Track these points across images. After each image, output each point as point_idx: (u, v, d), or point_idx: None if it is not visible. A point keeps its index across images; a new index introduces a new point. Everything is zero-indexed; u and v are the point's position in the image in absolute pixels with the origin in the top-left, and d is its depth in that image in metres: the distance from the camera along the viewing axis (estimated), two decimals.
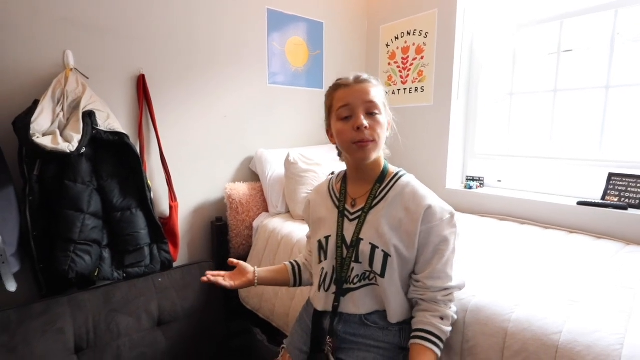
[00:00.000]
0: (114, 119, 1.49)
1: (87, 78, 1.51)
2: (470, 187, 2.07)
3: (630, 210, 1.52)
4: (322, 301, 1.00)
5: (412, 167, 1.28)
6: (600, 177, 1.69)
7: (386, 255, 0.91)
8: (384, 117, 0.95)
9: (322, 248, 1.01)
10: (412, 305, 0.96)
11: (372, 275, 0.94)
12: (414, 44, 2.28)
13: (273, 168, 1.98)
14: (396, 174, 0.99)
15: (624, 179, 1.61)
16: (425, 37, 2.21)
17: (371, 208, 0.96)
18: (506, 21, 2.00)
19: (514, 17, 1.97)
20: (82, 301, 1.41)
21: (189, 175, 1.89)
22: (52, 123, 1.35)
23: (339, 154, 1.06)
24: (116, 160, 1.51)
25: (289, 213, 1.95)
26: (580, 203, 1.64)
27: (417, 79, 2.28)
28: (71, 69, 1.46)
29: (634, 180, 1.58)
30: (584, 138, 1.79)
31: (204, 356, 1.63)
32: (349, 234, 0.97)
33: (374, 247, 0.92)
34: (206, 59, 1.88)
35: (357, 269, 0.95)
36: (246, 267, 1.09)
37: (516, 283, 1.10)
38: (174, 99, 1.80)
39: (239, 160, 2.09)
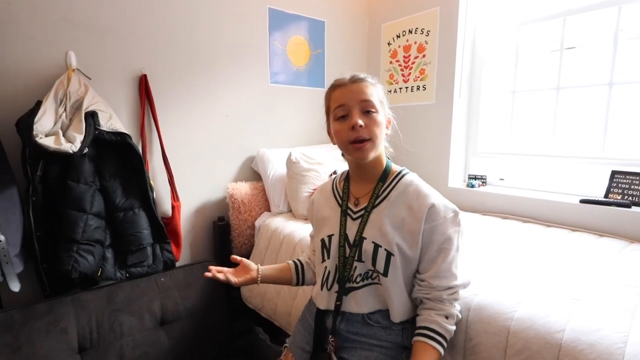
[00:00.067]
0: (116, 119, 1.50)
1: (90, 78, 1.52)
2: (473, 186, 2.06)
3: (634, 208, 1.51)
4: (325, 300, 1.00)
5: (414, 165, 1.28)
6: (603, 175, 1.69)
7: (389, 254, 0.91)
8: (382, 115, 0.94)
9: (325, 247, 1.01)
10: (414, 304, 0.96)
11: (374, 275, 0.94)
12: (415, 42, 2.27)
13: (275, 167, 1.98)
14: (399, 173, 0.99)
15: (627, 177, 1.60)
16: (427, 35, 2.20)
17: (374, 207, 0.96)
18: (508, 19, 1.99)
19: (516, 15, 1.96)
20: (85, 301, 1.42)
21: (191, 175, 1.90)
22: (55, 124, 1.35)
23: (342, 154, 1.06)
24: (119, 161, 1.51)
25: (291, 212, 1.95)
26: (583, 201, 1.63)
27: (418, 77, 2.28)
28: (73, 70, 1.47)
29: (637, 178, 1.57)
30: (587, 136, 1.78)
31: (206, 355, 1.63)
32: (351, 233, 0.97)
33: (376, 246, 0.92)
34: (208, 58, 1.88)
35: (359, 268, 0.95)
36: (249, 264, 1.09)
37: (519, 281, 1.09)
38: (176, 98, 1.81)
39: (240, 159, 2.09)
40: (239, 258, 1.09)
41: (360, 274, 0.95)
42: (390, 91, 2.44)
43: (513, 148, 2.04)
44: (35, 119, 1.28)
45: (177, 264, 1.73)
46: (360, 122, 0.90)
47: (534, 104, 1.95)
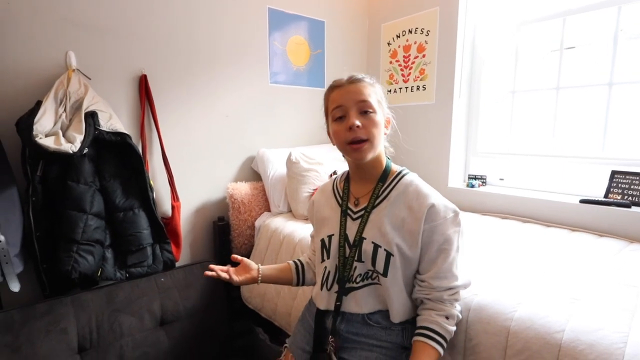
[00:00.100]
0: (116, 120, 1.50)
1: (90, 79, 1.52)
2: (473, 186, 2.06)
3: (634, 208, 1.51)
4: (325, 300, 1.00)
5: (414, 165, 1.28)
6: (603, 175, 1.69)
7: (389, 255, 0.91)
8: (380, 115, 0.94)
9: (325, 247, 1.01)
10: (414, 304, 0.96)
11: (374, 275, 0.94)
12: (415, 42, 2.27)
13: (275, 167, 1.98)
14: (399, 173, 0.99)
15: (627, 177, 1.60)
16: (427, 35, 2.20)
17: (374, 207, 0.96)
18: (508, 18, 1.99)
19: (515, 15, 1.96)
20: (85, 301, 1.42)
21: (191, 175, 1.90)
22: (55, 124, 1.35)
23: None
24: (118, 161, 1.51)
25: (290, 212, 1.95)
26: (582, 201, 1.64)
27: (418, 77, 2.28)
28: (73, 70, 1.47)
29: (637, 178, 1.57)
30: (587, 136, 1.78)
31: (206, 356, 1.63)
32: (351, 233, 0.97)
33: (376, 247, 0.92)
34: (207, 58, 1.88)
35: (359, 268, 0.95)
36: (250, 264, 1.09)
37: (518, 281, 1.09)
38: (176, 98, 1.81)
39: (240, 159, 2.09)
40: (239, 257, 1.09)
41: (360, 274, 0.95)
42: (390, 91, 2.44)
43: (513, 148, 2.04)
44: (35, 119, 1.28)
45: (177, 264, 1.73)
46: (358, 122, 0.90)
47: (534, 104, 1.95)
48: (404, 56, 2.35)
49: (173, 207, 1.74)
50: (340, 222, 0.99)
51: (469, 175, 2.16)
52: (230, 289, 1.83)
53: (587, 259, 1.26)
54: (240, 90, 2.03)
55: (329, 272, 1.00)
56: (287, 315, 1.57)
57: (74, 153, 1.28)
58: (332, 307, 0.98)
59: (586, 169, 1.77)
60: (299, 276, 1.15)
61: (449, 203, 0.94)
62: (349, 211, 1.00)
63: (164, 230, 1.62)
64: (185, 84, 1.83)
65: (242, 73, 2.02)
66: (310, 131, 2.34)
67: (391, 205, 0.94)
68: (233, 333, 1.77)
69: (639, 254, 1.30)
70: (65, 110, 1.39)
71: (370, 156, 0.94)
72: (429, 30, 2.19)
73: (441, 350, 0.88)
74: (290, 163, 1.87)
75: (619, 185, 1.61)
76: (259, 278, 1.08)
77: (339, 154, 1.02)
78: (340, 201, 1.03)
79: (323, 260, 1.02)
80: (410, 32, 2.29)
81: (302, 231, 1.65)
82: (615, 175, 1.64)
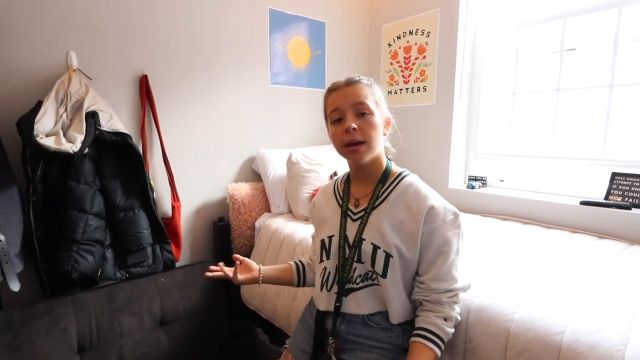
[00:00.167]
0: (116, 120, 1.50)
1: (90, 79, 1.52)
2: (473, 187, 2.06)
3: (634, 210, 1.51)
4: (325, 301, 1.00)
5: (414, 166, 1.28)
6: (603, 177, 1.69)
7: (388, 256, 0.90)
8: (378, 117, 0.94)
9: (324, 247, 1.01)
10: (414, 306, 0.96)
11: (374, 276, 0.94)
12: (416, 44, 2.28)
13: (275, 168, 1.98)
14: (399, 174, 0.99)
15: (628, 179, 1.60)
16: (428, 36, 2.20)
17: (374, 208, 0.96)
18: (509, 20, 1.99)
19: (516, 16, 1.96)
20: (85, 301, 1.42)
21: (192, 176, 1.90)
22: (56, 124, 1.35)
23: None
24: (119, 161, 1.51)
25: (291, 213, 1.95)
26: (583, 203, 1.63)
27: (419, 78, 2.28)
28: (74, 70, 1.47)
29: (638, 180, 1.57)
30: (587, 137, 1.78)
31: (206, 356, 1.63)
32: (351, 234, 0.97)
33: (375, 248, 0.92)
34: (208, 59, 1.89)
35: (359, 269, 0.95)
36: (251, 264, 1.09)
37: (519, 283, 1.09)
38: (176, 99, 1.81)
39: (241, 160, 2.09)
40: (241, 257, 1.09)
41: (360, 275, 0.95)
42: (391, 92, 2.44)
43: (513, 149, 2.04)
44: (36, 119, 1.28)
45: (177, 264, 1.73)
46: (354, 125, 0.90)
47: (535, 105, 1.95)
48: (404, 57, 2.35)
49: (173, 207, 1.74)
50: (341, 223, 1.00)
51: (469, 176, 2.16)
52: (230, 289, 1.83)
53: (588, 260, 1.26)
54: (241, 90, 2.03)
55: (329, 273, 1.00)
56: (287, 316, 1.57)
57: (75, 153, 1.28)
58: (331, 308, 0.98)
59: (586, 171, 1.77)
60: (300, 277, 1.15)
61: (449, 205, 0.94)
62: (349, 212, 1.00)
63: (164, 230, 1.62)
64: (186, 84, 1.83)
65: (243, 73, 2.02)
66: (310, 132, 2.34)
67: (391, 207, 0.94)
68: (233, 333, 1.77)
69: (639, 256, 1.30)
70: (66, 110, 1.39)
71: (367, 158, 0.94)
72: (429, 32, 2.19)
73: (438, 352, 0.87)
74: (290, 164, 1.87)
75: (620, 187, 1.61)
76: (261, 278, 1.08)
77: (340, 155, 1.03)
78: (340, 202, 1.03)
79: (322, 261, 1.02)
80: (410, 33, 2.29)
81: (302, 232, 1.65)
82: (616, 177, 1.64)
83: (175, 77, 1.79)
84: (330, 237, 1.00)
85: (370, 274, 0.94)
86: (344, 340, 0.97)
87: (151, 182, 1.60)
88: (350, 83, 0.95)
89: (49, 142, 1.25)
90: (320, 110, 1.07)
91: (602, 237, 1.52)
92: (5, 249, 1.23)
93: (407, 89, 2.35)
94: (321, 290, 1.01)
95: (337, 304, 0.97)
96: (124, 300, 1.49)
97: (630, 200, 1.56)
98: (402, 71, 2.38)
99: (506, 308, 0.97)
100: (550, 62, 1.87)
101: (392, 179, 0.98)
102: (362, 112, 0.93)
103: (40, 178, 1.34)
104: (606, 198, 1.63)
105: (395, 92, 2.41)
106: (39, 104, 1.35)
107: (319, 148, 2.23)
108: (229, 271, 1.06)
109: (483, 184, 2.09)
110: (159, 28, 1.71)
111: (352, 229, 0.97)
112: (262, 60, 2.09)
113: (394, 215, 0.93)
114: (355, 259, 0.95)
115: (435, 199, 0.92)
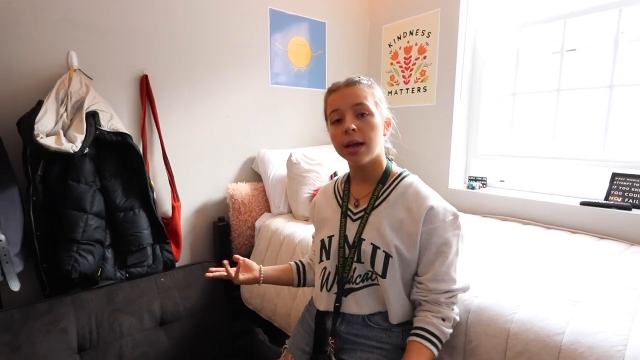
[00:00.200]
0: (117, 120, 1.50)
1: (91, 79, 1.52)
2: (473, 187, 2.06)
3: (634, 211, 1.51)
4: (324, 301, 1.00)
5: (414, 167, 1.28)
6: (603, 177, 1.69)
7: (387, 256, 0.91)
8: (378, 117, 0.94)
9: (324, 248, 1.01)
10: (414, 306, 0.96)
11: (374, 276, 0.94)
12: (416, 44, 2.28)
13: (275, 168, 1.98)
14: (399, 175, 0.99)
15: (628, 179, 1.60)
16: (428, 37, 2.20)
17: (373, 208, 0.96)
18: (509, 20, 1.99)
19: (517, 17, 1.96)
20: (85, 301, 1.42)
21: (192, 176, 1.90)
22: (56, 123, 1.35)
23: None
24: (119, 161, 1.51)
25: (291, 213, 1.95)
26: (583, 203, 1.63)
27: (419, 79, 2.28)
28: (75, 70, 1.47)
29: (638, 180, 1.57)
30: (588, 138, 1.78)
31: (206, 356, 1.63)
32: (351, 234, 0.97)
33: (375, 248, 0.92)
34: (209, 59, 1.89)
35: (359, 269, 0.95)
36: (252, 264, 1.09)
37: (519, 284, 1.09)
38: (177, 99, 1.81)
39: (241, 160, 2.09)
40: (241, 258, 1.09)
41: (360, 275, 0.95)
42: (391, 92, 2.44)
43: (513, 150, 2.04)
44: (37, 119, 1.28)
45: (177, 264, 1.73)
46: (353, 126, 0.91)
47: (535, 105, 1.95)
48: (404, 58, 2.35)
49: (173, 207, 1.74)
50: (340, 223, 1.00)
51: (470, 177, 2.16)
52: (230, 289, 1.83)
53: (588, 261, 1.26)
54: (241, 90, 2.03)
55: (328, 273, 1.00)
56: (287, 316, 1.57)
57: (75, 153, 1.28)
58: (331, 308, 0.98)
59: (587, 171, 1.77)
60: (300, 277, 1.15)
61: (449, 206, 0.94)
62: (349, 212, 1.00)
63: (164, 230, 1.62)
64: (186, 84, 1.83)
65: (243, 74, 2.02)
66: (310, 132, 2.34)
67: (390, 207, 0.94)
68: (233, 333, 1.77)
69: (639, 257, 1.30)
70: (66, 110, 1.39)
71: (367, 159, 0.94)
72: (430, 32, 2.19)
73: (435, 352, 0.87)
74: (290, 164, 1.87)
75: (620, 187, 1.61)
76: (261, 278, 1.08)
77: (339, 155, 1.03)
78: (340, 202, 1.03)
79: (322, 261, 1.02)
80: (411, 33, 2.29)
81: (302, 232, 1.65)
82: (616, 178, 1.63)
83: (176, 77, 1.79)
84: (330, 237, 1.00)
85: (370, 274, 0.94)
86: (343, 341, 0.97)
87: (151, 182, 1.60)
88: (350, 84, 0.95)
89: (50, 142, 1.25)
90: (320, 110, 1.07)
91: (602, 238, 1.52)
92: (6, 248, 1.23)
93: (407, 89, 2.35)
94: (321, 290, 1.01)
95: (336, 304, 0.97)
96: (124, 300, 1.49)
97: (631, 200, 1.56)
98: (402, 71, 2.38)
99: (506, 308, 0.97)
100: (550, 63, 1.87)
101: (392, 180, 0.98)
102: (362, 113, 0.93)
103: (41, 178, 1.34)
104: (606, 199, 1.63)
105: (396, 93, 2.41)
106: (39, 104, 1.35)
107: (319, 148, 2.23)
108: (232, 271, 1.06)
109: (483, 184, 2.09)
110: (159, 28, 1.72)
111: (352, 229, 0.97)
112: (263, 61, 2.10)
113: (394, 216, 0.93)
114: (355, 259, 0.95)
115: (435, 200, 0.92)
